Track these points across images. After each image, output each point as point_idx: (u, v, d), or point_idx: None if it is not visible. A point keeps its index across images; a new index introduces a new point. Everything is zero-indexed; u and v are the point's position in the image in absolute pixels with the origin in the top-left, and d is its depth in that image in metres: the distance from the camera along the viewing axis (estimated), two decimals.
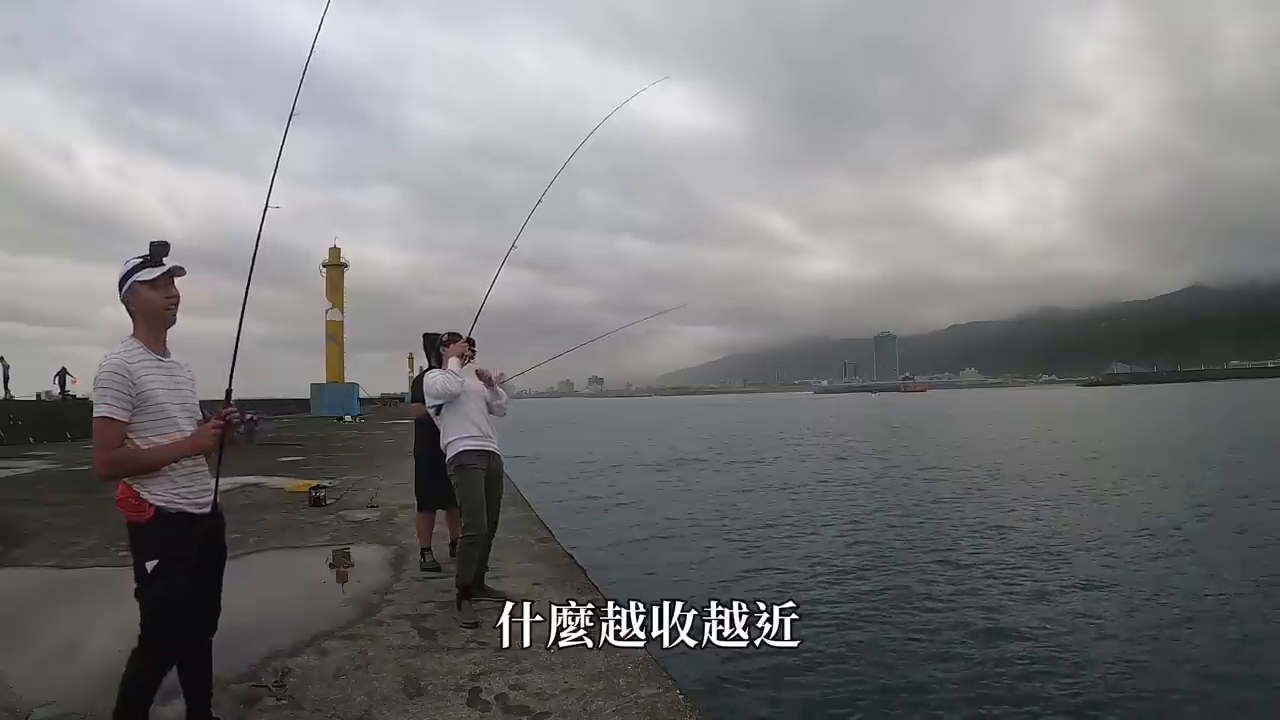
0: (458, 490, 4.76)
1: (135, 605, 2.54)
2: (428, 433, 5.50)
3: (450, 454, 4.76)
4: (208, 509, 2.70)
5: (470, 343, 5.06)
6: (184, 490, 2.60)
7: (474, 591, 4.64)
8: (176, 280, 2.66)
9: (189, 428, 2.65)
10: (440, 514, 5.97)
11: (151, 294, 2.60)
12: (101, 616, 4.57)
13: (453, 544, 5.70)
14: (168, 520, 2.55)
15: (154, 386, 2.56)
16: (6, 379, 26.83)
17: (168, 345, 2.72)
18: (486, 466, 4.75)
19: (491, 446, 4.82)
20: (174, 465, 2.58)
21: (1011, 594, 8.16)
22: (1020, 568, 9.21)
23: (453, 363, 4.84)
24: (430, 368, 5.25)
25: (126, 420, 2.50)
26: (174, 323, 2.68)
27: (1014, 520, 12.33)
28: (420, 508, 5.98)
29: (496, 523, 4.91)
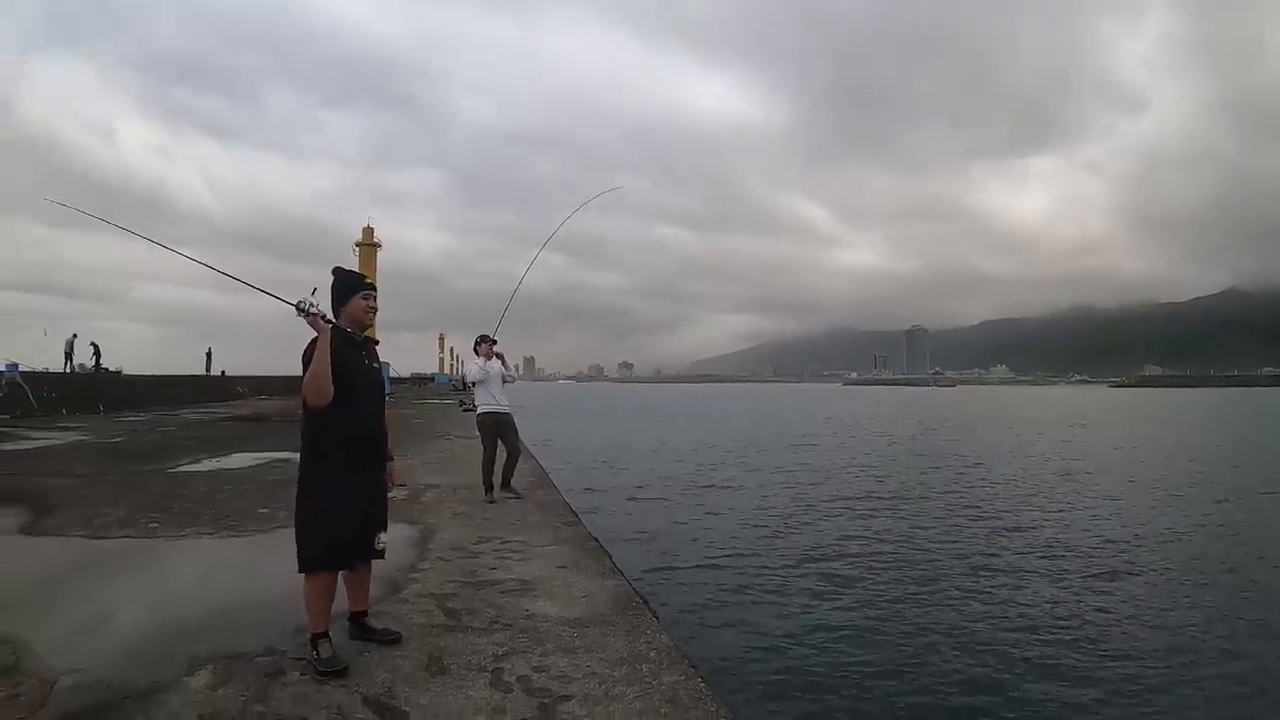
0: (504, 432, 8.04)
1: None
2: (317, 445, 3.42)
3: (479, 412, 8.07)
4: None
5: (492, 342, 8.05)
6: None
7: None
8: None
9: None
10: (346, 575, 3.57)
11: None
12: (130, 587, 4.59)
13: (354, 615, 3.68)
14: None
15: None
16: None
17: None
18: (495, 419, 7.99)
19: (500, 408, 8.02)
20: None
21: (1057, 595, 8.02)
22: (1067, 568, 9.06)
23: (479, 359, 7.98)
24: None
25: None
26: None
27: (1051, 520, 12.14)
28: (320, 566, 3.33)
29: (519, 445, 8.23)
